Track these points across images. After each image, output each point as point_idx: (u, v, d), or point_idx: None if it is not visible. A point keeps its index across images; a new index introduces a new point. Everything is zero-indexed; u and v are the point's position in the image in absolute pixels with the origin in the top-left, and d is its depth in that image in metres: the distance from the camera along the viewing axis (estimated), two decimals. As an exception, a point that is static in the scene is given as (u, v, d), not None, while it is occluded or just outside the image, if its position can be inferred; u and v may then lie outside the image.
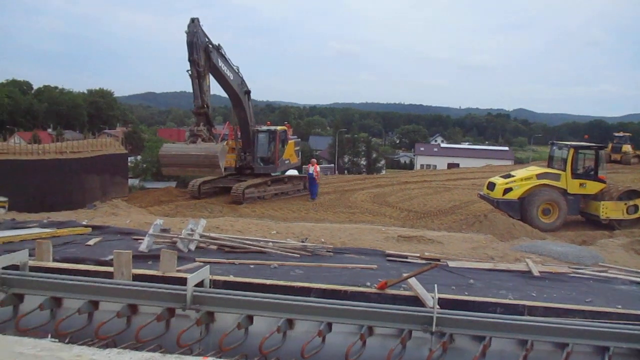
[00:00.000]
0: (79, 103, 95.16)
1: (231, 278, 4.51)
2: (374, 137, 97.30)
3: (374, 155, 73.21)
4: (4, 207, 17.13)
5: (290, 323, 3.63)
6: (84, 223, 12.71)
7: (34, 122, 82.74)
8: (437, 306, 3.87)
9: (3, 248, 8.65)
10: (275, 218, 18.33)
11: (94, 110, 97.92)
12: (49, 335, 3.41)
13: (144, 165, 55.03)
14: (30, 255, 4.45)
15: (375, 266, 9.40)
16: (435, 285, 4.26)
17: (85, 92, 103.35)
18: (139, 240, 10.16)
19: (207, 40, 18.83)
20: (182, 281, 4.13)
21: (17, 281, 3.79)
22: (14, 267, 4.01)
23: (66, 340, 3.38)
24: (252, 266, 8.91)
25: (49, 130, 72.40)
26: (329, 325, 3.62)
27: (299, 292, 4.22)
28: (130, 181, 37.32)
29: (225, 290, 3.73)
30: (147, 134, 79.67)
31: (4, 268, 3.82)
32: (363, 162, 70.87)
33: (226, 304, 3.58)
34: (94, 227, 11.86)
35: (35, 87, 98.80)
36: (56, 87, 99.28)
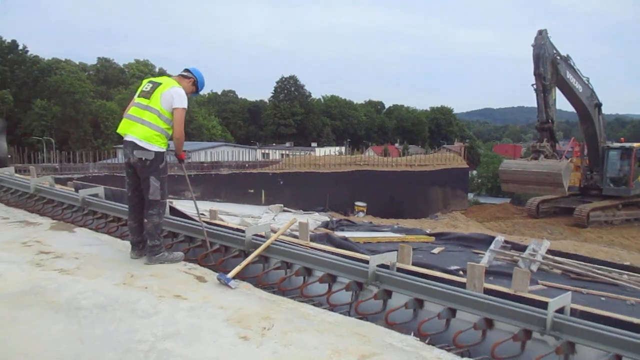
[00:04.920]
0: (422, 120, 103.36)
1: (591, 309, 4.14)
2: None
3: None
4: (362, 211, 19.88)
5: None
6: (427, 232, 13.69)
7: (385, 137, 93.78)
8: None
9: (364, 247, 10.05)
10: (628, 247, 16.09)
11: (434, 127, 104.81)
12: (412, 333, 3.78)
13: (479, 180, 55.59)
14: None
15: None
16: None
17: (428, 109, 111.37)
18: (479, 254, 10.34)
19: (554, 52, 17.99)
20: (534, 303, 4.00)
21: (387, 279, 4.32)
22: (384, 266, 4.59)
23: (427, 341, 3.67)
24: (602, 298, 8.04)
25: (396, 144, 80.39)
26: None
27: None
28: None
29: (590, 322, 3.45)
30: (483, 149, 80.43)
31: (377, 266, 4.42)
32: None
33: (589, 337, 3.31)
34: (437, 236, 12.66)
35: (386, 106, 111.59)
36: (402, 106, 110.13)
